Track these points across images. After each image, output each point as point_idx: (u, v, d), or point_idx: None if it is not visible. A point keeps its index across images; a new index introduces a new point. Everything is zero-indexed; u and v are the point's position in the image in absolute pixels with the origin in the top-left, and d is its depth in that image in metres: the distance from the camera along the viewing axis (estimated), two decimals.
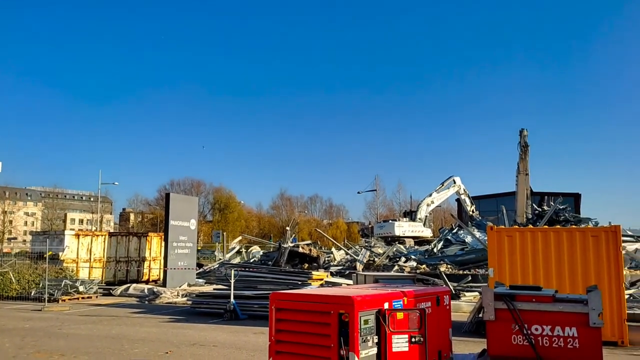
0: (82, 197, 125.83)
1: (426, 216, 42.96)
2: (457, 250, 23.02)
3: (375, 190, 69.73)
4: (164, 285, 21.76)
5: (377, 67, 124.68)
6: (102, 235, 26.29)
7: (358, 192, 76.23)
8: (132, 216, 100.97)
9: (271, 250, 31.30)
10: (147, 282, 25.24)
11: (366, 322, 4.79)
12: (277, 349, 5.19)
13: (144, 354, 9.16)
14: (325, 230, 61.78)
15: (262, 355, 8.25)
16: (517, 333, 5.62)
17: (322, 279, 15.72)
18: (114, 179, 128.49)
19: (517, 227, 15.62)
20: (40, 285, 18.75)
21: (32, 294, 18.67)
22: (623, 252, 11.59)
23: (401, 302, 5.32)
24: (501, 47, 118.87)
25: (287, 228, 43.32)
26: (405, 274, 17.07)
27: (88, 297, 19.37)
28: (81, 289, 19.58)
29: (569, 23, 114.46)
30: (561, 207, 21.99)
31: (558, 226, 16.56)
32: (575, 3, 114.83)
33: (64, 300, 18.16)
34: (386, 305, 5.08)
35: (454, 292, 15.53)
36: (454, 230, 28.11)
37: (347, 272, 20.80)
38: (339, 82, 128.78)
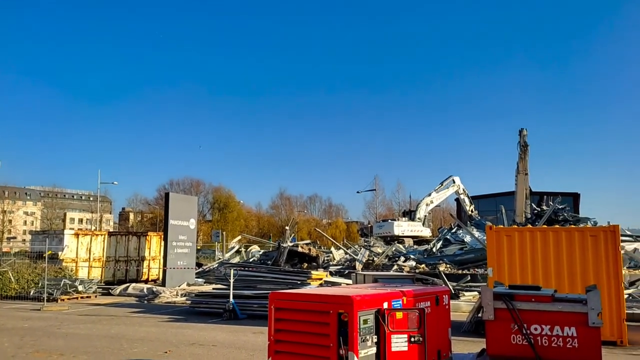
0: (81, 197, 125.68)
1: (425, 216, 42.95)
2: (456, 249, 23.03)
3: (375, 189, 69.73)
4: (163, 284, 21.76)
5: (376, 67, 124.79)
6: (101, 235, 26.29)
7: (357, 192, 76.28)
8: (131, 216, 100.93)
9: (270, 249, 31.27)
10: (146, 281, 25.25)
11: (365, 321, 4.80)
12: (277, 348, 5.20)
13: (143, 353, 9.16)
14: (325, 230, 61.82)
15: (262, 354, 8.25)
16: (517, 333, 5.63)
17: (321, 279, 15.72)
18: (113, 178, 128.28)
19: (516, 226, 15.62)
20: (40, 284, 18.74)
21: (31, 293, 18.67)
22: (622, 251, 11.61)
23: (400, 302, 5.33)
24: (501, 47, 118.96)
25: (287, 227, 43.27)
26: (405, 273, 17.07)
27: (87, 297, 19.36)
28: (80, 288, 19.57)
29: (568, 23, 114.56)
30: (560, 207, 21.99)
31: (557, 226, 16.56)
32: (575, 3, 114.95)
33: (63, 300, 18.15)
34: (385, 305, 5.09)
35: (453, 291, 15.53)
36: (453, 230, 28.12)
37: (347, 271, 20.80)
38: (338, 81, 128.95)
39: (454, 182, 42.44)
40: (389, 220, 44.98)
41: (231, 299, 13.78)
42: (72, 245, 23.72)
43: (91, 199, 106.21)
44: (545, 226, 13.97)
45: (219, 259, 32.44)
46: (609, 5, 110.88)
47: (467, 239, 24.46)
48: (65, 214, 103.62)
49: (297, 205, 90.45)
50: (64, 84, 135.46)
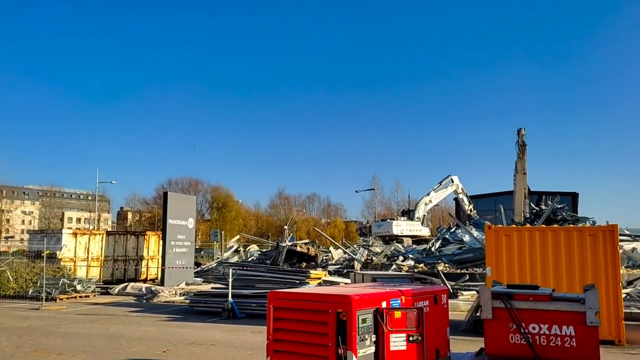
0: (79, 196, 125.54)
1: (424, 215, 43.00)
2: (455, 249, 23.07)
3: (374, 189, 69.69)
4: (161, 284, 21.74)
5: (376, 67, 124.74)
6: (99, 234, 26.26)
7: (356, 191, 76.46)
8: (129, 215, 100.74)
9: (269, 249, 31.29)
10: (145, 281, 25.24)
11: (364, 321, 4.80)
12: (275, 347, 5.20)
13: (142, 352, 9.15)
14: (323, 229, 61.80)
15: (260, 354, 8.26)
16: (515, 332, 5.63)
17: (320, 278, 15.73)
18: (111, 177, 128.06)
19: (514, 226, 15.64)
20: (38, 284, 18.72)
21: (30, 292, 18.65)
22: (620, 251, 11.63)
23: (399, 301, 5.33)
24: (501, 47, 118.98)
25: (285, 227, 43.21)
26: (403, 273, 17.09)
27: (86, 296, 19.34)
28: (79, 287, 19.54)
29: (568, 23, 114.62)
30: (559, 207, 22.02)
31: (556, 225, 16.58)
32: (575, 3, 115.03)
33: (62, 299, 18.12)
34: (384, 304, 5.09)
35: (451, 291, 15.55)
36: (452, 229, 28.15)
37: (345, 271, 20.81)
38: (337, 81, 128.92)
39: (452, 181, 42.49)
40: (388, 220, 44.99)
41: (230, 298, 13.78)
42: (70, 245, 23.70)
43: (89, 198, 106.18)
44: (543, 226, 13.98)
45: (218, 258, 32.42)
46: (609, 5, 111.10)
47: (466, 238, 24.49)
48: (63, 214, 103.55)
49: (296, 204, 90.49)
50: (64, 84, 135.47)
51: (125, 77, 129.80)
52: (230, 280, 14.03)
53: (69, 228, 62.12)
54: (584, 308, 5.40)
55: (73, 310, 15.85)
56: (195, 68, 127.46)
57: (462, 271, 18.82)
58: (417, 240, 38.82)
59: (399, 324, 4.98)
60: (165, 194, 24.93)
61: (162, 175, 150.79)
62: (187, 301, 16.36)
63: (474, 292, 15.66)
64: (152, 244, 27.13)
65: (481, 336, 6.10)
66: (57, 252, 22.77)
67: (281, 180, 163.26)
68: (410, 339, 5.02)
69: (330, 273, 19.83)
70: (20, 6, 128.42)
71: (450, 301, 7.37)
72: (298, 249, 25.14)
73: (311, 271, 16.35)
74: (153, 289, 20.29)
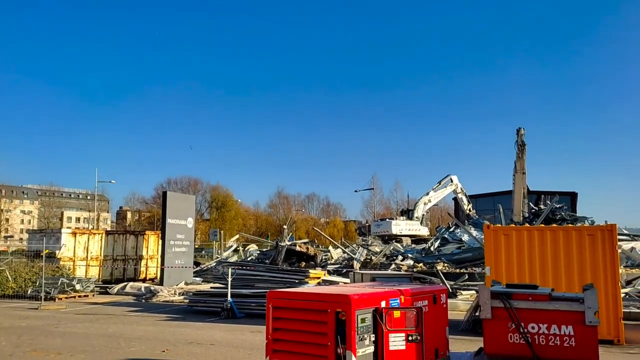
0: (78, 196, 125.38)
1: (423, 215, 43.03)
2: (454, 248, 23.06)
3: (373, 188, 69.59)
4: (161, 283, 21.74)
5: (376, 66, 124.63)
6: (99, 234, 26.25)
7: (355, 191, 76.35)
8: (129, 214, 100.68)
9: (268, 248, 31.26)
10: (144, 280, 25.23)
11: (363, 320, 4.80)
12: (274, 347, 5.20)
13: (141, 352, 9.15)
14: (323, 229, 61.79)
15: (260, 353, 8.26)
16: (514, 331, 5.64)
17: (319, 278, 15.73)
18: (110, 177, 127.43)
19: (513, 225, 15.64)
20: (37, 283, 18.71)
21: (29, 292, 18.63)
22: (619, 250, 11.64)
23: (398, 301, 5.33)
24: (501, 47, 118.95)
25: (285, 226, 43.22)
26: (402, 272, 17.08)
27: (85, 296, 19.33)
28: (78, 287, 19.54)
29: (568, 23, 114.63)
30: (558, 206, 22.03)
31: (554, 225, 16.59)
32: (575, 3, 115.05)
33: (61, 299, 18.11)
34: (383, 304, 5.09)
35: (450, 290, 15.56)
36: (451, 229, 28.14)
37: (344, 270, 20.81)
38: (337, 81, 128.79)
39: (451, 181, 42.52)
40: (387, 219, 45.03)
41: (229, 298, 13.78)
42: (69, 244, 23.69)
43: (88, 197, 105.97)
44: (542, 225, 13.99)
45: (217, 258, 32.41)
46: (609, 5, 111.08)
47: (465, 238, 24.50)
48: (62, 213, 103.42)
49: (295, 204, 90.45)
50: (64, 84, 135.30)
51: (125, 77, 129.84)
52: (230, 279, 14.02)
53: (68, 227, 62.00)
54: (583, 308, 5.41)
55: (72, 309, 15.84)
56: (195, 68, 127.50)
57: (461, 271, 18.81)
58: (416, 239, 38.83)
59: (398, 323, 4.99)
60: (165, 194, 24.93)
61: (161, 174, 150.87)
62: (186, 301, 16.35)
63: (473, 292, 15.67)
64: (151, 243, 27.12)
65: (480, 336, 6.10)
66: (56, 252, 22.76)
67: (280, 179, 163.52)
68: (410, 338, 5.02)
69: (329, 272, 19.84)
70: (20, 6, 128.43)
71: (449, 301, 7.38)
72: (297, 248, 25.12)
73: (310, 271, 16.35)
74: (152, 288, 20.28)
